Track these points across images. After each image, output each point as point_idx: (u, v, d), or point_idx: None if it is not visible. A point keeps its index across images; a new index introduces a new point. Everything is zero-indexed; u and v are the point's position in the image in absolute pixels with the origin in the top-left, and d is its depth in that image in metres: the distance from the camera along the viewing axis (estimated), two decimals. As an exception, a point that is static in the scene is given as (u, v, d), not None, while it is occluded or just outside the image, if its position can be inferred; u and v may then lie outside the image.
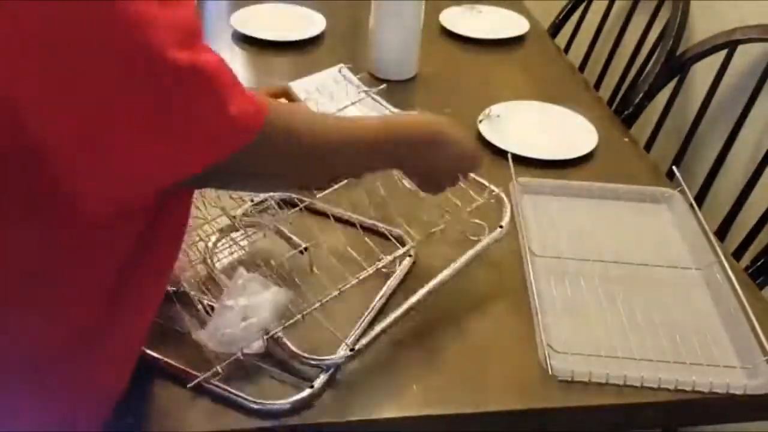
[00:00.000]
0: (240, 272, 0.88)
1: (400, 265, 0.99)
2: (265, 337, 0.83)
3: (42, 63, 0.56)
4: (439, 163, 0.89)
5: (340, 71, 1.30)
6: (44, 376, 0.72)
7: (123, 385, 0.79)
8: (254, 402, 0.81)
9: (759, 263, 1.29)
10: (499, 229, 1.00)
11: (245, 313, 0.83)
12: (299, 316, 0.85)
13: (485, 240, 0.99)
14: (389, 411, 0.84)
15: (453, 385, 0.87)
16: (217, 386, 0.82)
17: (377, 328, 0.89)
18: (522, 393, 0.87)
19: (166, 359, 0.84)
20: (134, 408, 0.81)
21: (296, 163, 0.74)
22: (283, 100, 0.97)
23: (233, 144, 0.64)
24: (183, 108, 0.61)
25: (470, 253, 0.97)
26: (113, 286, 0.72)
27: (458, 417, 0.84)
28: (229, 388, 0.82)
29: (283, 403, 0.81)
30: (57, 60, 0.56)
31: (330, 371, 0.85)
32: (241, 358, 0.82)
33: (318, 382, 0.83)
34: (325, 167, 0.79)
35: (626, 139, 1.36)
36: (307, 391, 0.82)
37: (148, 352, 0.84)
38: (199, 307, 0.89)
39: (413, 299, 0.92)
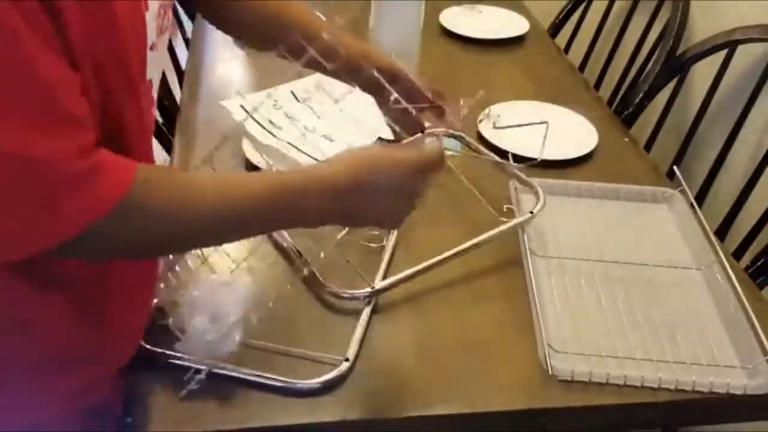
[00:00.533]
0: (192, 288, 0.87)
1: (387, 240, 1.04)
2: (236, 336, 0.83)
3: None
4: (375, 198, 0.76)
5: None
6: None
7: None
8: (283, 381, 0.83)
9: (759, 263, 1.29)
10: (529, 215, 1.03)
11: (213, 315, 0.83)
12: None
13: (514, 221, 1.02)
14: (389, 411, 0.84)
15: (453, 385, 0.86)
16: (245, 373, 0.83)
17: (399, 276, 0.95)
18: (522, 393, 0.86)
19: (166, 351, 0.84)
20: (134, 408, 0.81)
21: (163, 240, 0.70)
22: None
23: (62, 233, 0.62)
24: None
25: (496, 230, 1.01)
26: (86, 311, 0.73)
27: (458, 417, 0.84)
28: (258, 372, 0.83)
29: (314, 382, 0.83)
30: None
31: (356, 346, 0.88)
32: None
33: (351, 353, 0.86)
34: (203, 240, 0.76)
35: (626, 139, 1.35)
36: (344, 365, 0.85)
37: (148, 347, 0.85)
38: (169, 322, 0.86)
39: (445, 255, 0.96)
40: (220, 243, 0.79)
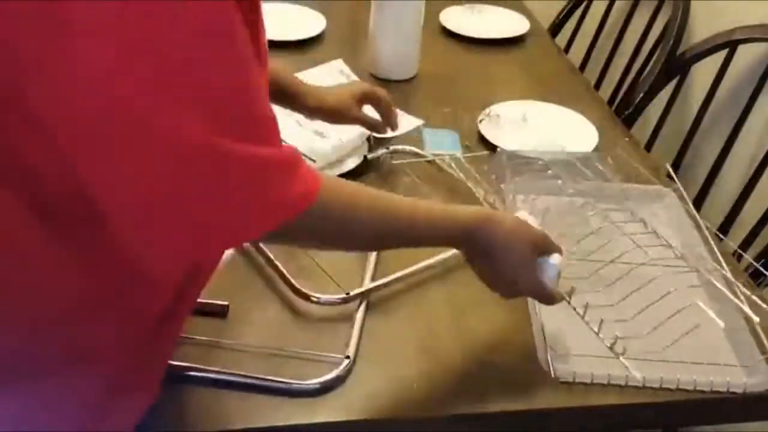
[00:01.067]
0: None
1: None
2: None
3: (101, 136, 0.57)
4: (493, 262, 0.83)
5: (341, 70, 1.30)
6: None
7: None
8: (281, 382, 0.82)
9: (759, 263, 1.29)
10: None
11: None
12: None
13: None
14: (389, 412, 0.84)
15: (453, 385, 0.86)
16: (242, 375, 0.83)
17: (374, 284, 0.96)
18: (523, 394, 0.86)
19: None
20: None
21: (334, 239, 0.77)
22: None
23: (276, 221, 0.66)
24: (229, 188, 0.62)
25: None
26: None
27: (458, 417, 0.84)
28: (256, 375, 0.83)
29: (314, 382, 0.83)
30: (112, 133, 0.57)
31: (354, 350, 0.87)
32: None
33: (351, 351, 0.86)
34: (365, 245, 0.86)
35: (626, 139, 1.35)
36: (344, 363, 0.85)
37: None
38: None
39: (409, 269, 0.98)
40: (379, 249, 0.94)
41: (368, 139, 1.22)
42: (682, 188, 1.12)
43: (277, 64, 0.96)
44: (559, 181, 1.12)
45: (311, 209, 0.68)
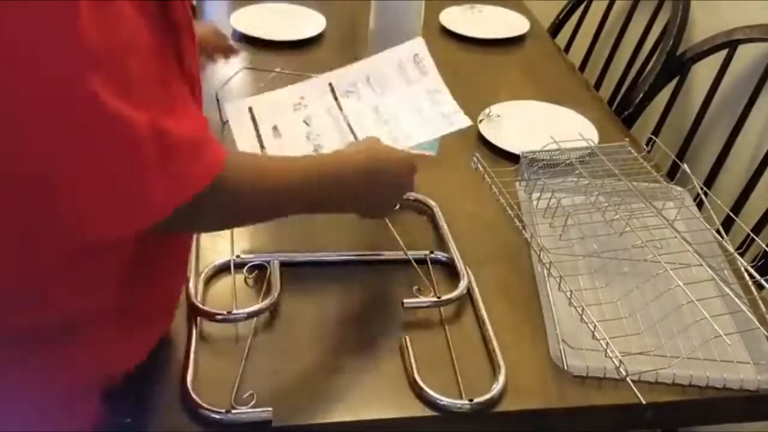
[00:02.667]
0: None
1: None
2: None
3: None
4: (382, 188, 0.90)
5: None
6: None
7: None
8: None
9: (760, 263, 1.28)
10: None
11: None
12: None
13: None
14: (399, 411, 0.84)
15: (457, 383, 0.86)
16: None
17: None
18: (533, 391, 0.86)
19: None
20: (133, 408, 0.80)
21: (242, 214, 0.80)
22: None
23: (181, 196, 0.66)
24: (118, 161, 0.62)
25: None
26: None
27: (462, 417, 0.84)
28: None
29: None
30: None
31: None
32: None
33: None
34: (271, 215, 0.86)
35: (626, 139, 1.35)
36: None
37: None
38: None
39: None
40: (284, 216, 0.86)
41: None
42: (696, 181, 1.11)
43: None
44: (585, 181, 1.12)
45: (219, 183, 0.68)
